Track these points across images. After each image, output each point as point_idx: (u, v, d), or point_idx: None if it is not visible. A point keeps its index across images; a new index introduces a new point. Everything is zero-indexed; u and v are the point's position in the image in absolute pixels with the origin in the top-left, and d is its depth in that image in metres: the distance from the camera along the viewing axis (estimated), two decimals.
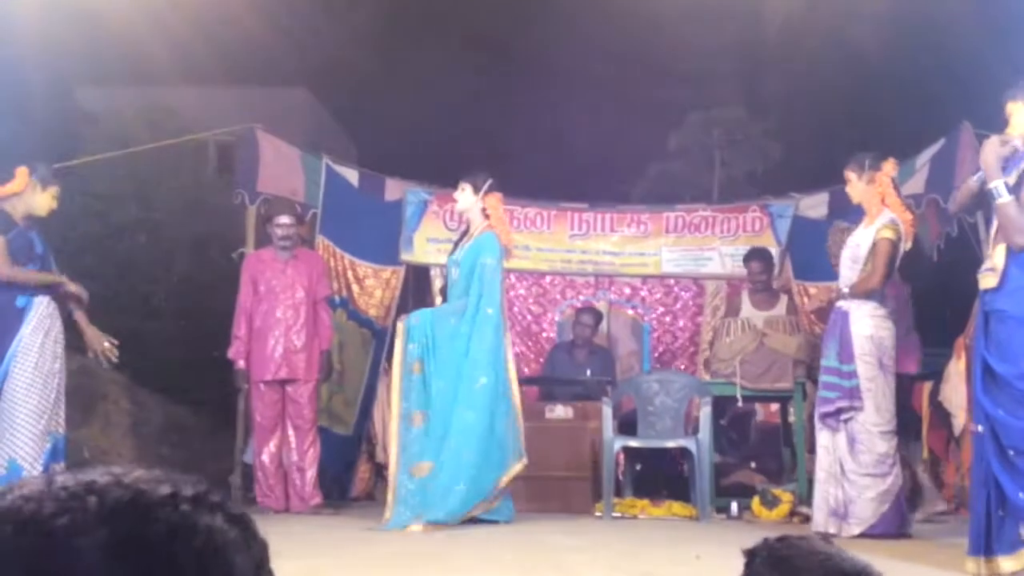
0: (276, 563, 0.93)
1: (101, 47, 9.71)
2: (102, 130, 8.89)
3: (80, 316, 5.46)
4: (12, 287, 5.14)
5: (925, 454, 7.22)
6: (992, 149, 4.08)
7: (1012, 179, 3.97)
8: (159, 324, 8.42)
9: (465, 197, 5.87)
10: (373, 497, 7.56)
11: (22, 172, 5.26)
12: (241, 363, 6.36)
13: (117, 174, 8.42)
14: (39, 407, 5.03)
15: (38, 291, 5.22)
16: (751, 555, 1.25)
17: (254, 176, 7.19)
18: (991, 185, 4.02)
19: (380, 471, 7.87)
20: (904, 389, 6.15)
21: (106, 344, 5.52)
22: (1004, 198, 3.99)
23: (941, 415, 6.93)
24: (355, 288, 7.69)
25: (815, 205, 7.95)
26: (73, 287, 5.35)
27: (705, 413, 6.37)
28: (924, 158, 6.92)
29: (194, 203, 9.09)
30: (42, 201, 5.29)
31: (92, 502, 0.69)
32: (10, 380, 5.02)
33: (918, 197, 6.76)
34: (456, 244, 6.04)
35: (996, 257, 4.00)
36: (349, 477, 7.44)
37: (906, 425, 6.05)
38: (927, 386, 7.14)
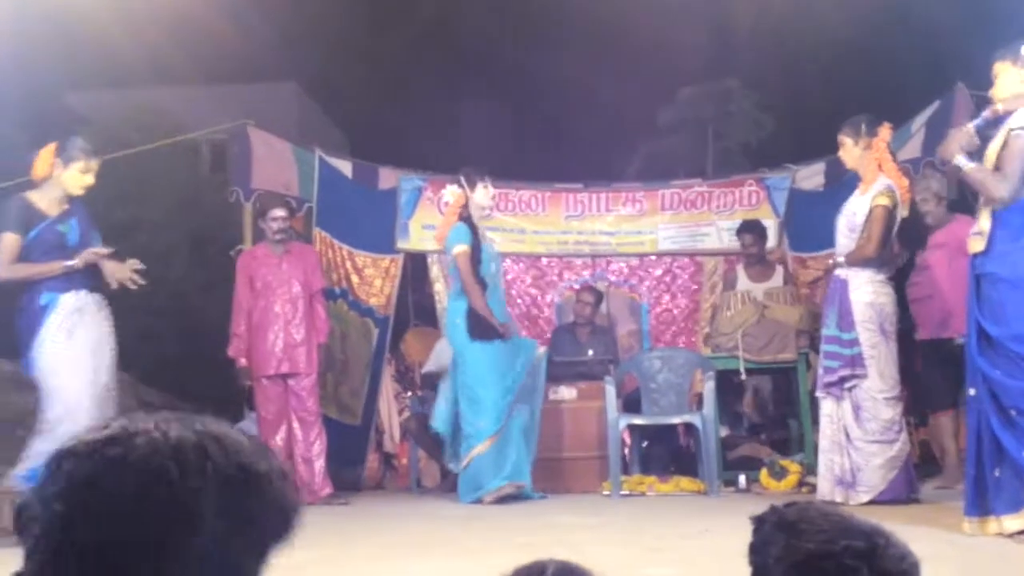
0: (290, 553, 0.96)
1: (83, 51, 9.66)
2: (94, 133, 8.86)
3: (104, 264, 5.02)
4: (37, 284, 4.86)
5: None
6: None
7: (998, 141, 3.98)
8: (162, 323, 8.44)
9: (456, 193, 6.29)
10: (383, 487, 7.59)
11: (45, 153, 4.96)
12: (243, 361, 6.35)
13: (112, 176, 8.40)
14: (57, 409, 4.74)
15: (70, 287, 4.91)
16: (760, 521, 1.28)
17: (247, 173, 7.19)
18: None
19: (389, 460, 7.90)
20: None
21: (129, 271, 5.05)
22: (967, 166, 4.02)
23: None
24: (354, 279, 7.69)
25: (811, 176, 7.94)
26: (85, 259, 4.90)
27: (709, 388, 6.38)
28: (920, 121, 6.90)
29: (190, 202, 9.10)
30: (69, 179, 4.98)
31: (209, 469, 0.91)
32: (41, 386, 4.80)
33: (915, 161, 6.74)
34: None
35: (982, 221, 4.01)
36: (361, 466, 7.46)
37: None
38: None
